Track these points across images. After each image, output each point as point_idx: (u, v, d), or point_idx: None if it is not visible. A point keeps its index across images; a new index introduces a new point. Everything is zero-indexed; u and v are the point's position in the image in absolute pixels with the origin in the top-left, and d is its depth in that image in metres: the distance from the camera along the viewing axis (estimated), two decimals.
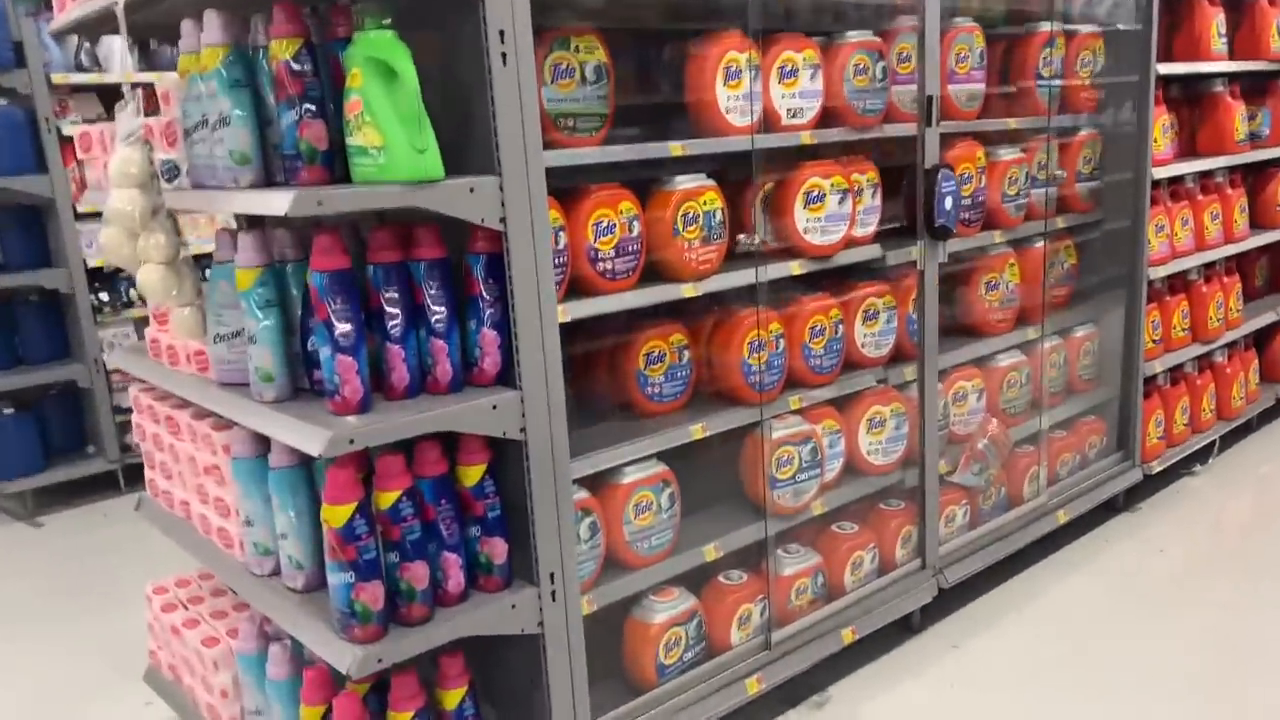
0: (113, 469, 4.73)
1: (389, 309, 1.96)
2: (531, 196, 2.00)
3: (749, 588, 2.68)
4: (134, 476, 4.61)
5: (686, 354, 2.64)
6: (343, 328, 1.86)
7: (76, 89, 4.75)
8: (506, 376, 2.06)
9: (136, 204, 2.05)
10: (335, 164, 1.92)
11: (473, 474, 2.05)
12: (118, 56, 4.83)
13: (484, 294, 2.03)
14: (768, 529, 2.69)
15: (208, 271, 2.21)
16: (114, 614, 3.54)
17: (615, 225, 2.36)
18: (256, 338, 2.01)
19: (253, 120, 1.95)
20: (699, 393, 2.69)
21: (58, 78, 4.50)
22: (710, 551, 2.58)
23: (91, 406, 4.72)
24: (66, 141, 4.41)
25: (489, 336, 2.04)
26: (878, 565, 3.02)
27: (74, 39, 4.82)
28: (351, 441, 1.81)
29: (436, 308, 1.99)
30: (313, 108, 1.87)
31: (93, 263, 4.59)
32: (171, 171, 2.17)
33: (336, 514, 1.86)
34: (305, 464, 2.04)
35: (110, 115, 3.05)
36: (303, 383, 2.08)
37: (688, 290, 2.50)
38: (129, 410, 3.40)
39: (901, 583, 3.04)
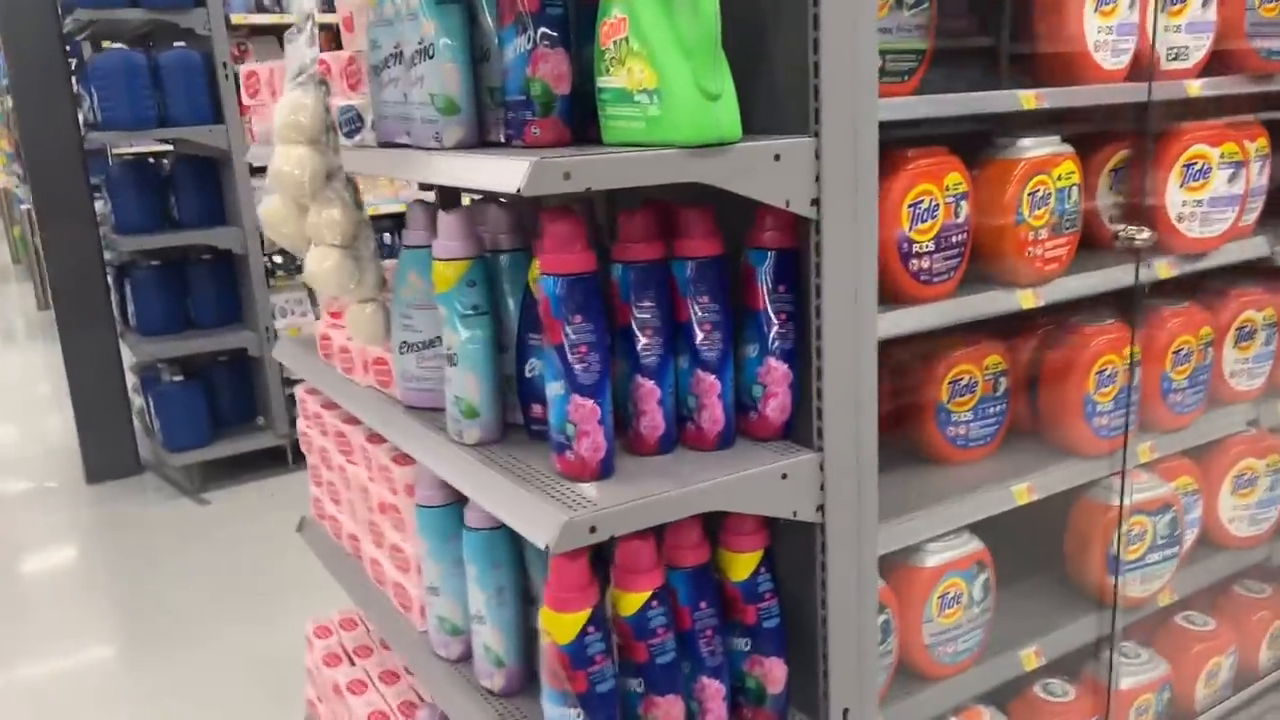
0: (281, 444, 4.42)
1: (640, 330, 1.36)
2: (859, 167, 1.35)
3: (1076, 707, 1.98)
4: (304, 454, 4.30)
5: (1004, 383, 1.94)
6: (585, 357, 1.27)
7: (256, 30, 4.40)
8: (797, 428, 1.44)
9: (306, 166, 1.51)
10: (575, 115, 1.33)
11: (744, 564, 1.44)
12: None
13: (769, 309, 1.40)
14: (1114, 625, 1.97)
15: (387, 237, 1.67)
16: (271, 623, 3.18)
17: (938, 207, 1.67)
18: (458, 357, 1.45)
19: (465, 52, 1.38)
20: (1008, 436, 1.99)
21: (237, 18, 4.14)
22: (1030, 658, 1.90)
23: (262, 377, 4.41)
24: None
25: (776, 370, 1.41)
26: (1234, 674, 2.25)
27: None
28: (593, 529, 1.22)
29: (707, 329, 1.38)
30: (553, 33, 1.27)
31: None
32: (353, 123, 1.62)
33: (562, 625, 1.29)
34: None
35: None
36: (514, 416, 1.52)
37: (1026, 299, 1.79)
38: (302, 382, 2.90)
39: (1266, 698, 2.26)
